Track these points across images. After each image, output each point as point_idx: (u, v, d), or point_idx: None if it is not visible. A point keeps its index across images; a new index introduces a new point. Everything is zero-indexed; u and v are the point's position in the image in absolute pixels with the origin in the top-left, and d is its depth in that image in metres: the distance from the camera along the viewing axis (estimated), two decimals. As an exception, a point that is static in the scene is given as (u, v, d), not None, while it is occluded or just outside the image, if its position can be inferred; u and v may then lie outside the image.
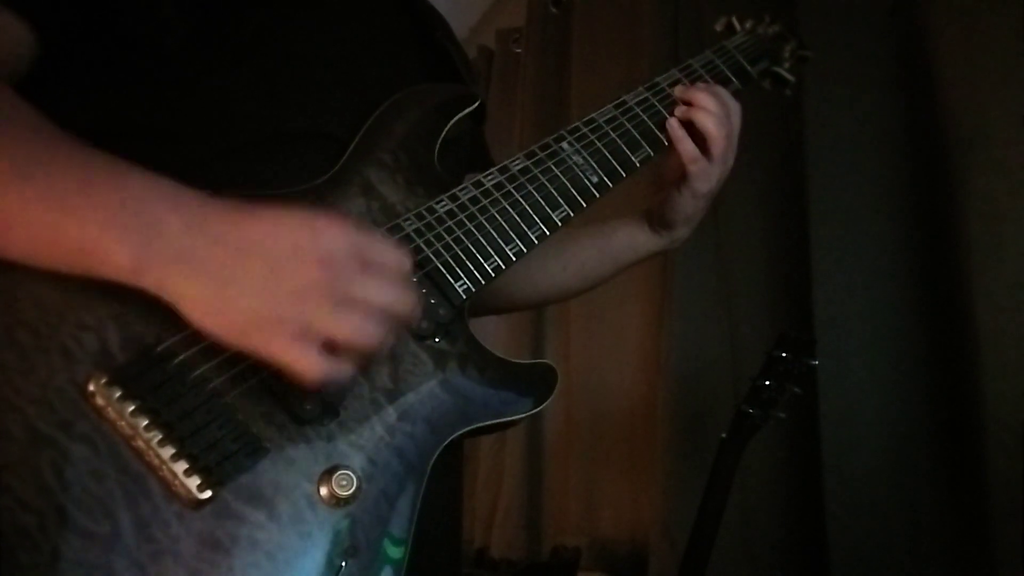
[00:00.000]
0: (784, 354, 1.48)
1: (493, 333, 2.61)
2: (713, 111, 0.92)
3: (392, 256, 0.62)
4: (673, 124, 0.93)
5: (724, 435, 1.50)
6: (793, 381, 1.48)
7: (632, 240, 1.05)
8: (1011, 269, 1.45)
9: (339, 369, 0.59)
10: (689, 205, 0.98)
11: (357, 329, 0.58)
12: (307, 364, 0.57)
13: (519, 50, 3.08)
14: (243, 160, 0.73)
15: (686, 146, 0.93)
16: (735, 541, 1.74)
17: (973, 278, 1.51)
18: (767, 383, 1.48)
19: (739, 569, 1.77)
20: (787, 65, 1.15)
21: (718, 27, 1.15)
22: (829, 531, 1.60)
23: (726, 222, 1.96)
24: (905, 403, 1.61)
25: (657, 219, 1.02)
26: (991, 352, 1.46)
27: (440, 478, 0.70)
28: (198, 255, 0.57)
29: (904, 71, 1.69)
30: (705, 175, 0.94)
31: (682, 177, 0.95)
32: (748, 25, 1.14)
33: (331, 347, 0.58)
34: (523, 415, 0.75)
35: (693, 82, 0.97)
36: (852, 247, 1.70)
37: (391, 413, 0.68)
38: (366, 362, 0.63)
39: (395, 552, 0.64)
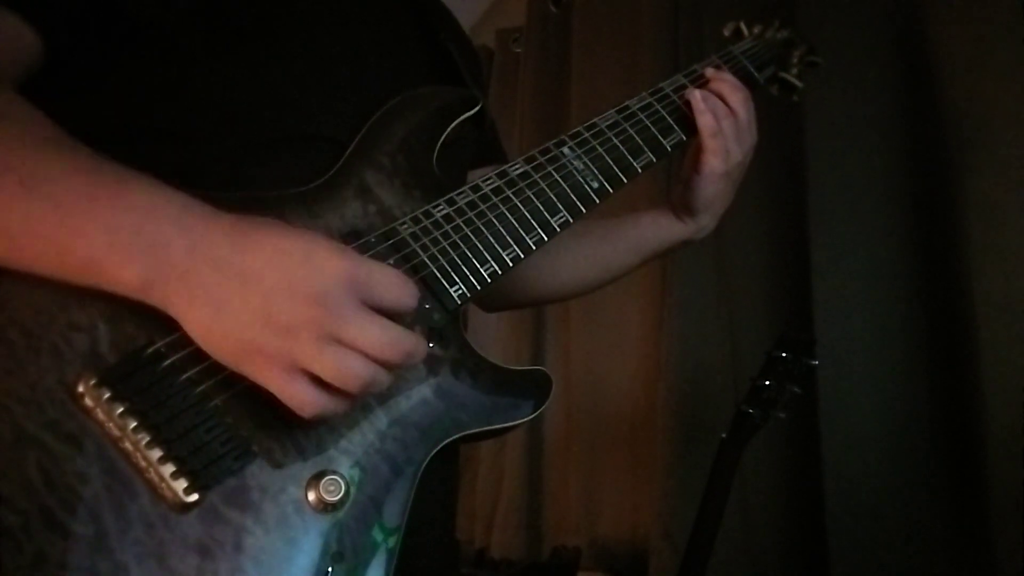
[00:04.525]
0: (784, 354, 1.48)
1: (494, 333, 2.61)
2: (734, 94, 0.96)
3: (394, 292, 0.61)
4: (697, 96, 0.94)
5: (724, 435, 1.49)
6: (793, 381, 1.48)
7: (656, 228, 1.05)
8: (1010, 268, 1.44)
9: (332, 405, 0.59)
10: (708, 188, 0.98)
11: (343, 369, 0.58)
12: (297, 397, 0.58)
13: (519, 50, 3.07)
14: (243, 162, 0.73)
15: (707, 120, 0.94)
16: (735, 541, 1.73)
17: (972, 277, 1.51)
18: (767, 383, 1.47)
19: (739, 569, 1.77)
20: (795, 71, 1.14)
21: (726, 32, 1.14)
22: (829, 531, 1.60)
23: (726, 222, 1.94)
24: (905, 403, 1.61)
25: (679, 205, 1.03)
26: (991, 351, 1.46)
27: (432, 480, 0.69)
28: (199, 279, 0.57)
29: (904, 71, 1.68)
30: (721, 153, 0.95)
31: (699, 159, 0.96)
32: (756, 30, 1.13)
33: (322, 383, 0.58)
34: (516, 423, 0.74)
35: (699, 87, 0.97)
36: (852, 247, 1.69)
37: (382, 418, 0.67)
38: (363, 399, 0.62)
39: (385, 546, 0.64)
